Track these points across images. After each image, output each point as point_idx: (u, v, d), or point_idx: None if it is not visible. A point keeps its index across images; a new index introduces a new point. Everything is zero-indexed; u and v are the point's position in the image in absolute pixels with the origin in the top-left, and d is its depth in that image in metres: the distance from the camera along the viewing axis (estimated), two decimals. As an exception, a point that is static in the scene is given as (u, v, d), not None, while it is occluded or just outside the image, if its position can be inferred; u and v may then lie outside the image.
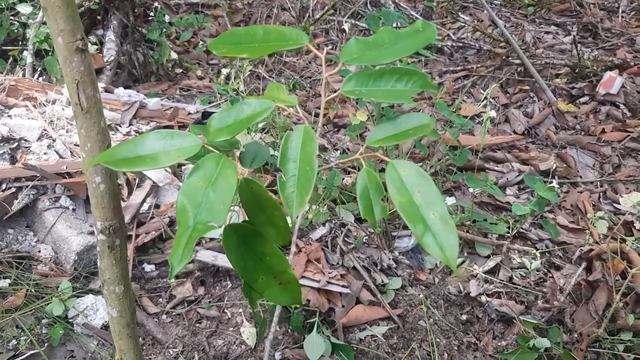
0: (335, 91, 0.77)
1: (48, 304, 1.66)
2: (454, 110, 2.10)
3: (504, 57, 3.51)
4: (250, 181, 0.73)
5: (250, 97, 0.76)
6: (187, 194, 0.65)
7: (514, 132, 2.88)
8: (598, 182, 2.46)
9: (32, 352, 1.54)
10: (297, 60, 3.54)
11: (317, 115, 2.83)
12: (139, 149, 0.69)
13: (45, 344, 1.58)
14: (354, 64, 0.76)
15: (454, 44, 3.83)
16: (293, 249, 0.88)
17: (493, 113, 1.87)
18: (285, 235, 0.77)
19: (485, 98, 2.04)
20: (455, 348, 1.69)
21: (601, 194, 2.38)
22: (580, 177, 2.51)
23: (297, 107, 0.79)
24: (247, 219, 0.78)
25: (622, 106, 3.06)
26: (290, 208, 0.66)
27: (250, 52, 0.77)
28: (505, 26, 3.80)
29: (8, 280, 1.71)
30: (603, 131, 2.82)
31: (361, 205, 0.70)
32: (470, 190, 2.05)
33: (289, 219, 0.78)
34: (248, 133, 2.32)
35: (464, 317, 1.79)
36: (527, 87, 3.28)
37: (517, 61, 3.39)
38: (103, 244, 0.86)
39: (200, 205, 0.64)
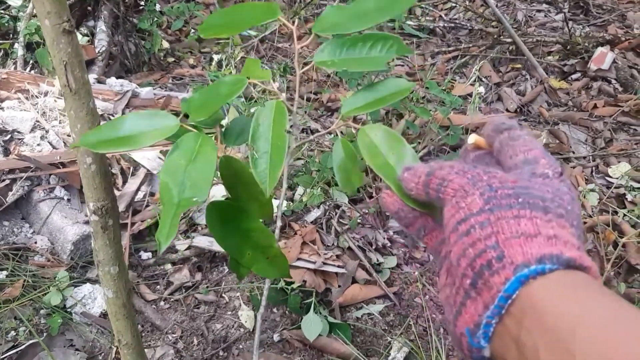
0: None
1: (46, 294, 1.67)
2: (444, 89, 2.10)
3: (495, 37, 3.51)
4: (230, 158, 0.73)
5: (225, 76, 0.75)
6: (169, 173, 0.65)
7: (507, 110, 2.89)
8: (590, 157, 2.47)
9: (31, 341, 1.55)
10: (290, 45, 3.53)
11: (308, 100, 2.83)
12: (119, 130, 0.69)
13: (44, 334, 1.59)
14: (327, 33, 0.73)
15: (445, 24, 3.82)
16: (279, 223, 0.87)
17: (482, 89, 1.87)
18: (268, 210, 0.77)
19: (476, 76, 2.04)
20: (451, 323, 1.70)
21: (593, 168, 2.39)
22: (573, 152, 2.52)
23: (271, 81, 0.78)
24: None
25: (613, 81, 3.07)
26: (263, 184, 0.66)
27: (228, 30, 0.78)
28: (496, 5, 3.79)
29: (5, 272, 1.72)
30: (595, 106, 2.83)
31: (339, 176, 0.69)
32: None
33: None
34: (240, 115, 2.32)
35: (459, 293, 1.80)
36: (519, 66, 3.28)
37: (509, 40, 3.39)
38: (96, 224, 0.86)
39: (183, 183, 0.64)
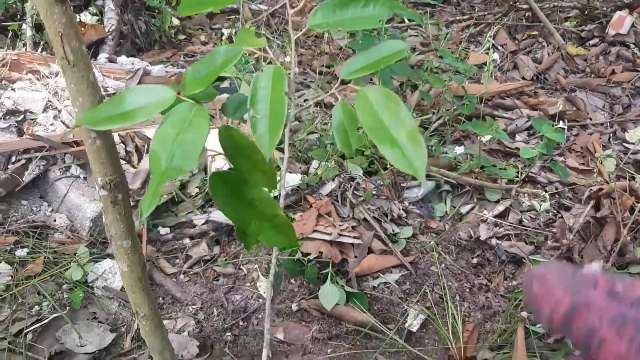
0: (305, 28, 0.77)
1: (67, 269, 1.70)
2: (458, 57, 2.08)
3: (511, 3, 3.45)
4: (229, 128, 0.74)
5: (220, 46, 0.75)
6: (159, 142, 0.66)
7: (523, 78, 2.84)
8: (608, 123, 2.43)
9: (54, 315, 1.58)
10: (301, 19, 3.50)
11: (320, 73, 2.81)
12: (118, 106, 0.71)
13: (67, 308, 1.63)
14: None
15: (459, -7, 3.77)
16: (283, 192, 0.87)
17: (496, 56, 1.85)
18: (271, 179, 0.77)
19: (490, 43, 2.01)
20: (467, 290, 1.71)
21: (611, 134, 2.36)
22: (590, 119, 2.48)
23: (267, 48, 0.78)
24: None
25: (632, 46, 3.00)
26: (263, 147, 0.67)
27: (214, 4, 0.77)
28: (510, -28, 3.72)
29: (26, 249, 1.75)
30: (613, 72, 2.78)
31: (337, 138, 0.71)
32: (479, 138, 2.05)
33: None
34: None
35: (475, 260, 1.80)
36: (535, 33, 3.22)
37: (525, 6, 3.33)
38: (106, 199, 0.86)
39: (172, 152, 0.65)
